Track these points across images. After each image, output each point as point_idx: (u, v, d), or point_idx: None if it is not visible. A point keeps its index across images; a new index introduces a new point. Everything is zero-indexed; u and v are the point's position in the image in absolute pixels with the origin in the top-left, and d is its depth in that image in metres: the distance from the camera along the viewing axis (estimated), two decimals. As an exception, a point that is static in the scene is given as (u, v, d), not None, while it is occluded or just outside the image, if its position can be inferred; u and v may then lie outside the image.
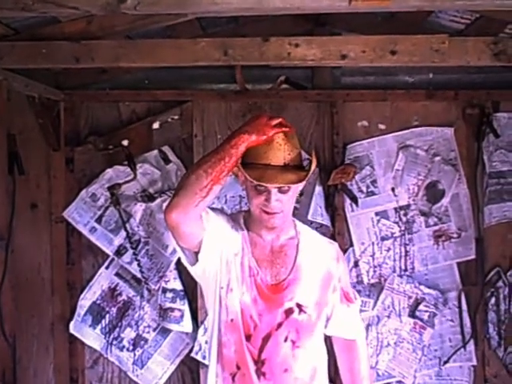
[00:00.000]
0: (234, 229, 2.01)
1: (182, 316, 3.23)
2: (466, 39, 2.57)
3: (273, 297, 1.95)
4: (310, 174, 1.91)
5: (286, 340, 1.94)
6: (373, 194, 3.30)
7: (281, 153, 1.88)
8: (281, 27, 3.07)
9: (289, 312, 1.95)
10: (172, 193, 3.19)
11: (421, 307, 3.24)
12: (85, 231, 3.27)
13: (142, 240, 3.28)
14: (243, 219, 2.05)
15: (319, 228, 3.22)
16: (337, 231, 3.27)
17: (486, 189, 3.28)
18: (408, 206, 3.30)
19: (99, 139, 3.27)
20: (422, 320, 3.24)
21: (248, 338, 1.93)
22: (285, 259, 2.00)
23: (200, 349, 3.19)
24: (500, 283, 3.29)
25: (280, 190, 1.89)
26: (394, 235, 3.30)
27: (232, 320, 1.93)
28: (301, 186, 1.95)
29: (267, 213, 1.91)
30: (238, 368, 1.93)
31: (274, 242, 2.02)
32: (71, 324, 3.27)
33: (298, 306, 1.96)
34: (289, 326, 1.94)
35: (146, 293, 3.30)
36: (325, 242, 2.14)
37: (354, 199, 3.27)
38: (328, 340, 2.13)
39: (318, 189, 3.24)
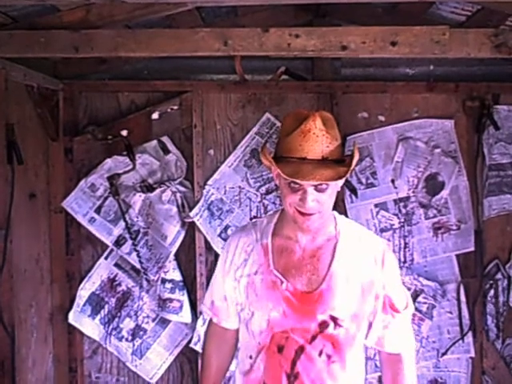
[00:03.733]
0: (252, 246, 1.88)
1: (181, 307, 3.23)
2: (466, 31, 2.55)
3: (304, 308, 1.79)
4: (352, 169, 1.71)
5: (320, 354, 1.79)
6: (372, 185, 3.30)
7: (318, 145, 1.69)
8: (281, 18, 3.07)
9: (323, 326, 1.78)
10: (171, 183, 3.22)
11: (419, 299, 3.25)
12: (84, 221, 3.27)
13: (142, 230, 3.28)
14: (276, 220, 1.91)
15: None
16: (336, 223, 3.26)
17: (485, 181, 3.28)
18: (407, 197, 3.30)
19: (98, 129, 3.26)
20: (420, 312, 3.25)
21: (280, 349, 1.80)
22: (317, 265, 1.81)
23: (199, 339, 3.20)
24: (499, 275, 3.30)
25: (317, 188, 1.70)
26: (394, 227, 3.30)
27: (259, 343, 1.83)
28: (340, 182, 1.77)
29: (302, 214, 1.74)
30: None
31: (307, 245, 1.84)
32: (70, 314, 3.28)
33: (333, 319, 1.78)
34: (324, 339, 1.79)
35: (145, 283, 3.30)
36: (370, 242, 1.90)
37: (354, 191, 3.27)
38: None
39: (318, 180, 3.24)
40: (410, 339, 1.93)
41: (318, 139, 1.68)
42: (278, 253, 1.84)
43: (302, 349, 1.78)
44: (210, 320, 2.06)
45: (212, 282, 2.05)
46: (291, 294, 1.79)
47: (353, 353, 1.83)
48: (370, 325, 1.86)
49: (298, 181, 1.68)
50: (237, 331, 2.00)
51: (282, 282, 1.79)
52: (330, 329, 1.78)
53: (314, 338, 1.78)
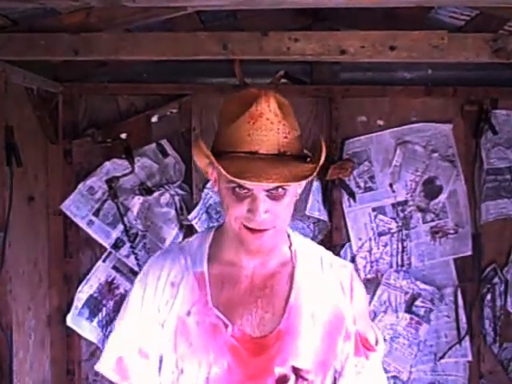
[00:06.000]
0: (181, 277, 1.40)
1: (178, 310, 3.23)
2: (465, 36, 2.56)
3: (256, 360, 1.32)
4: (319, 167, 1.27)
5: None
6: (370, 189, 3.30)
7: (273, 134, 1.25)
8: (280, 22, 3.06)
9: (282, 381, 1.33)
10: (170, 186, 3.22)
11: (417, 303, 3.25)
12: (82, 224, 3.27)
13: (140, 233, 3.28)
14: (211, 241, 1.43)
15: (316, 223, 3.23)
16: (334, 226, 3.27)
17: (483, 185, 3.29)
18: (405, 201, 3.30)
19: (97, 132, 3.26)
20: (418, 315, 3.25)
21: None
22: (271, 299, 1.36)
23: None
24: (496, 279, 3.30)
25: (271, 195, 1.26)
26: (391, 231, 3.30)
27: None
28: (300, 187, 1.36)
29: (252, 230, 1.28)
30: None
31: (256, 272, 1.38)
32: (68, 317, 3.27)
33: (295, 370, 1.33)
34: None
35: (142, 286, 3.29)
36: (334, 266, 1.46)
37: (352, 194, 3.27)
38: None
39: (316, 184, 3.24)
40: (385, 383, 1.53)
41: (272, 126, 1.25)
42: (217, 285, 1.37)
43: None
44: None
45: (119, 331, 1.47)
46: (238, 342, 1.32)
47: None
48: (340, 374, 1.42)
49: (246, 183, 1.23)
50: None
51: (225, 326, 1.33)
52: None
53: None
